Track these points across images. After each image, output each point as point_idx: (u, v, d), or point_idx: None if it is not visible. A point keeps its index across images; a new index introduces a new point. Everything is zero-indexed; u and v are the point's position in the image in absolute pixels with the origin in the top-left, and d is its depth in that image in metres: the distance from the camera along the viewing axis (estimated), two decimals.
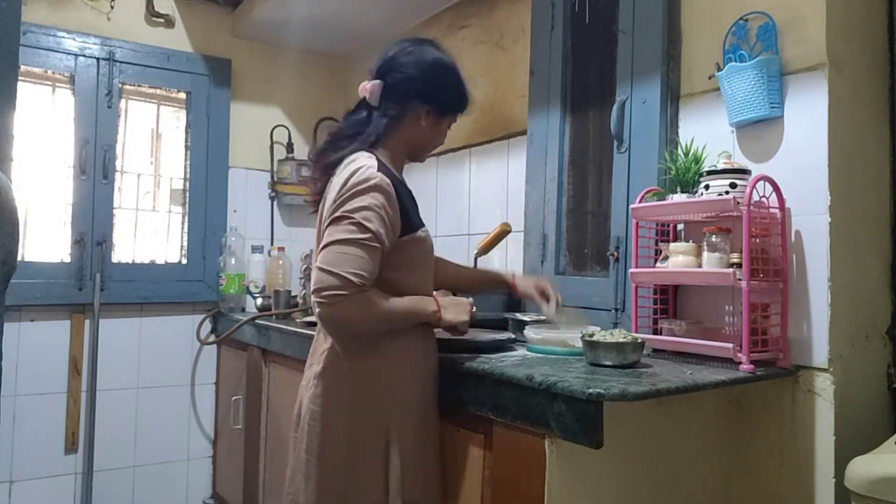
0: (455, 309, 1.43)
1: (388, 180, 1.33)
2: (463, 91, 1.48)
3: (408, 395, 1.38)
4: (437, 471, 1.44)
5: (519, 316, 1.82)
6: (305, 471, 1.37)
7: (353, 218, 1.27)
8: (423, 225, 1.44)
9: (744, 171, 1.49)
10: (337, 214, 1.28)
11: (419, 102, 1.42)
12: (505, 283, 1.71)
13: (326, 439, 1.35)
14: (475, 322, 1.50)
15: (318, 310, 1.27)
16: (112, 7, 2.76)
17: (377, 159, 1.37)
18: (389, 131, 1.42)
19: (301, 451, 1.39)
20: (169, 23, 2.90)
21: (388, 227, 1.31)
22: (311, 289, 1.26)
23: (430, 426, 1.43)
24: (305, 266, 2.67)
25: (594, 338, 1.41)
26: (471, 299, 1.51)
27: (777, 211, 1.46)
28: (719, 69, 1.57)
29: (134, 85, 2.83)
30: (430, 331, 1.45)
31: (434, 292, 1.52)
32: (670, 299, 1.70)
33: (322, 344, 1.43)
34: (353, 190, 1.29)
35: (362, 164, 1.33)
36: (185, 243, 2.92)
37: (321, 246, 1.29)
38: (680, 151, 1.62)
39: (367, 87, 1.43)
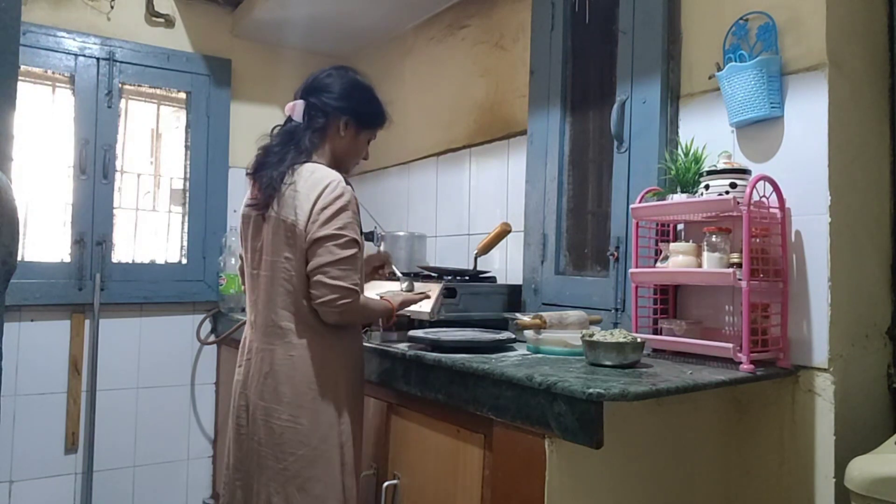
0: (393, 297, 1.69)
1: (352, 191, 1.53)
2: (379, 108, 1.68)
3: (353, 379, 1.58)
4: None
5: (519, 316, 1.82)
6: (258, 461, 1.50)
7: (345, 236, 1.47)
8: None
9: (744, 171, 1.49)
10: (331, 233, 1.47)
11: (339, 114, 1.60)
12: None
13: (286, 430, 1.48)
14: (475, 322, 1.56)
15: (331, 318, 1.49)
16: (112, 7, 2.76)
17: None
18: (318, 142, 1.59)
19: (253, 443, 1.52)
20: (169, 23, 2.90)
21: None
22: (325, 300, 1.45)
23: (360, 403, 1.63)
24: None
25: (594, 338, 1.41)
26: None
27: (777, 211, 1.46)
28: (719, 69, 1.57)
29: (134, 85, 2.84)
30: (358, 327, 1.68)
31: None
32: (670, 299, 1.70)
33: (262, 343, 1.54)
34: (336, 207, 1.48)
35: (331, 179, 1.50)
36: (185, 243, 2.92)
37: (326, 262, 1.46)
38: (680, 151, 1.62)
39: (292, 107, 1.61)
